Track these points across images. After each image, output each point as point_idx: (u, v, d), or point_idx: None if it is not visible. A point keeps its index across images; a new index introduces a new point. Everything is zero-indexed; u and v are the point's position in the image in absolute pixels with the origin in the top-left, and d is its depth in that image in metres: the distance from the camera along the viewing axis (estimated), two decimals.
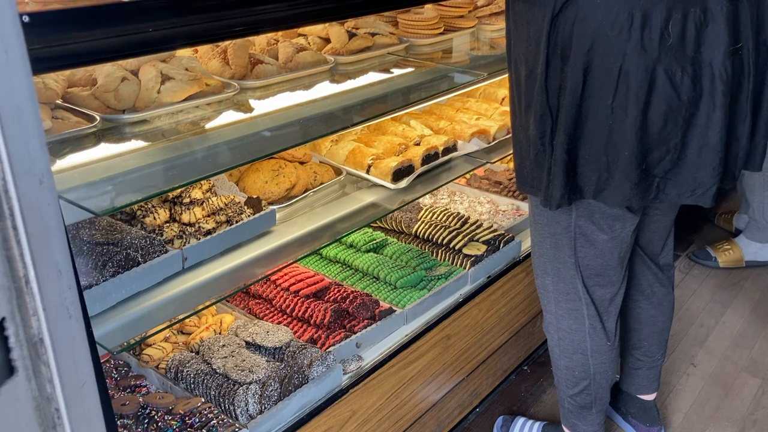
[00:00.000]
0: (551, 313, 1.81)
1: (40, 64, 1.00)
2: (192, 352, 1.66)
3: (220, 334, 1.74)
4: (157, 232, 1.58)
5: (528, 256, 2.23)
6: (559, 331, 1.81)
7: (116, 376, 1.61)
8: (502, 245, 2.15)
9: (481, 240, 2.15)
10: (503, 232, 2.23)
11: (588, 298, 1.73)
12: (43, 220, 0.63)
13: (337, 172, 2.02)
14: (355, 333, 1.75)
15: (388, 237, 2.21)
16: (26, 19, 0.95)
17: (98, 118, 1.51)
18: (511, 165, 2.78)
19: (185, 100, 1.63)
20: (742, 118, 1.45)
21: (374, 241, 2.14)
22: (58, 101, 1.57)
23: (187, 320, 1.78)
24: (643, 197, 1.45)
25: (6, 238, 0.59)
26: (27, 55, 0.60)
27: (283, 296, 1.86)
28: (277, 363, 1.60)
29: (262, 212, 1.69)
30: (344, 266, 2.08)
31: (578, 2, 1.34)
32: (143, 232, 1.53)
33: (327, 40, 2.17)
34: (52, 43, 0.99)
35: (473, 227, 2.21)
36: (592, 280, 1.70)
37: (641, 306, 1.96)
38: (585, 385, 1.85)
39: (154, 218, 1.60)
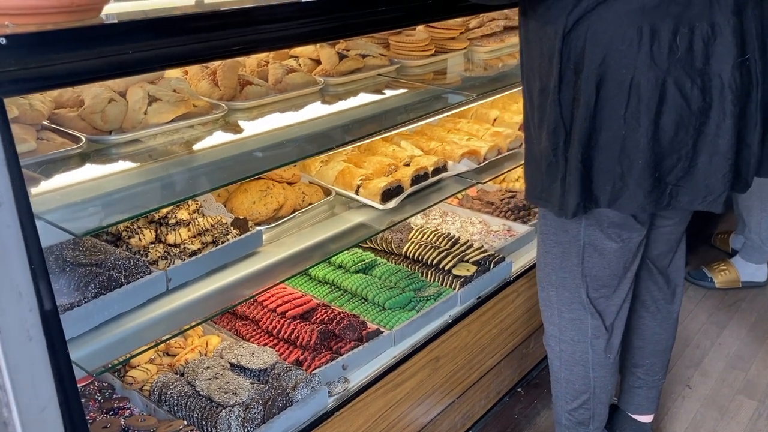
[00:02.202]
0: (554, 325, 1.82)
1: (18, 85, 1.00)
2: (177, 374, 1.65)
3: (205, 355, 1.73)
4: (142, 253, 1.58)
5: (519, 276, 2.22)
6: (561, 342, 1.81)
7: (100, 398, 1.59)
8: (492, 266, 2.14)
9: (470, 261, 2.14)
10: (493, 252, 2.22)
11: (593, 309, 1.74)
12: (2, 241, 0.63)
13: (327, 192, 2.01)
14: (341, 355, 1.74)
15: (378, 258, 2.21)
16: (2, 41, 0.95)
17: (84, 139, 1.51)
18: (504, 185, 2.78)
19: (172, 121, 1.63)
20: (752, 126, 1.49)
21: (363, 262, 2.13)
22: (45, 122, 1.57)
23: (172, 342, 1.77)
24: (657, 204, 1.49)
25: None
26: None
27: (269, 317, 1.85)
28: (262, 385, 1.59)
29: (248, 233, 1.69)
30: (333, 287, 2.08)
31: (589, 19, 1.39)
32: (127, 253, 1.53)
33: (318, 62, 2.18)
34: (29, 65, 0.99)
35: (463, 248, 2.20)
36: (599, 291, 1.72)
37: (646, 323, 1.96)
38: (585, 399, 1.85)
39: (140, 239, 1.60)
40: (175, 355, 1.75)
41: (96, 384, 1.62)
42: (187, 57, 1.19)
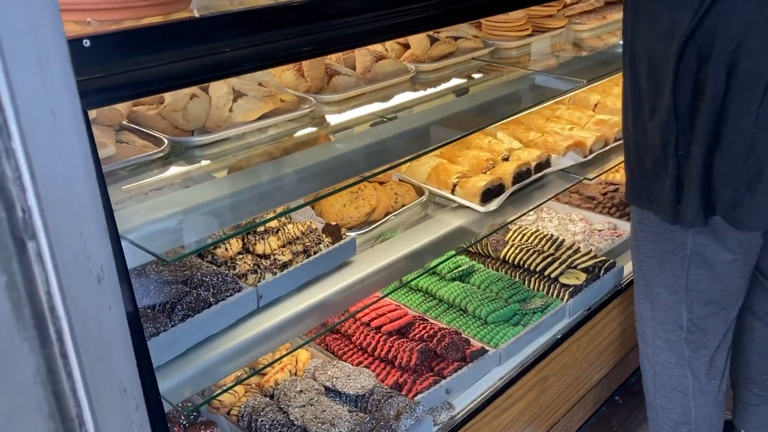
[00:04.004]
0: (647, 345, 1.64)
1: (105, 94, 0.85)
2: (266, 396, 1.51)
3: (296, 375, 1.58)
4: (229, 264, 1.43)
5: (631, 282, 2.00)
6: (655, 365, 1.63)
7: (184, 422, 1.47)
8: (602, 273, 1.93)
9: (579, 267, 1.93)
10: (603, 257, 2.00)
11: (694, 328, 1.53)
12: (103, 331, 0.47)
13: (419, 191, 1.83)
14: (444, 377, 1.57)
15: (475, 263, 2.01)
16: (87, 43, 0.80)
17: (166, 141, 1.36)
18: (603, 177, 2.54)
19: (259, 118, 1.47)
20: None
21: (460, 268, 1.94)
22: (123, 122, 1.43)
23: (260, 359, 1.63)
24: None
25: (52, 370, 0.43)
26: (80, 113, 0.44)
27: (363, 333, 1.69)
28: (361, 414, 1.43)
29: (342, 241, 1.52)
30: (427, 295, 1.90)
31: None
32: (214, 267, 1.38)
33: (406, 46, 1.99)
34: (115, 71, 0.84)
35: (570, 252, 1.99)
36: (705, 309, 1.51)
37: (761, 335, 1.75)
38: (685, 431, 1.65)
39: (226, 249, 1.46)
40: (263, 374, 1.61)
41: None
42: (292, 52, 1.02)
